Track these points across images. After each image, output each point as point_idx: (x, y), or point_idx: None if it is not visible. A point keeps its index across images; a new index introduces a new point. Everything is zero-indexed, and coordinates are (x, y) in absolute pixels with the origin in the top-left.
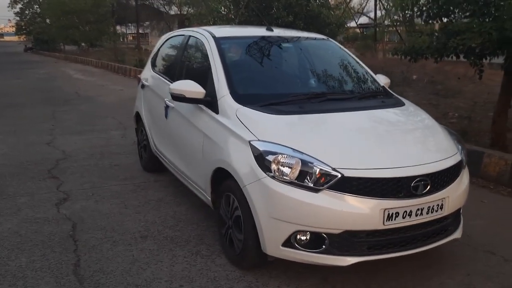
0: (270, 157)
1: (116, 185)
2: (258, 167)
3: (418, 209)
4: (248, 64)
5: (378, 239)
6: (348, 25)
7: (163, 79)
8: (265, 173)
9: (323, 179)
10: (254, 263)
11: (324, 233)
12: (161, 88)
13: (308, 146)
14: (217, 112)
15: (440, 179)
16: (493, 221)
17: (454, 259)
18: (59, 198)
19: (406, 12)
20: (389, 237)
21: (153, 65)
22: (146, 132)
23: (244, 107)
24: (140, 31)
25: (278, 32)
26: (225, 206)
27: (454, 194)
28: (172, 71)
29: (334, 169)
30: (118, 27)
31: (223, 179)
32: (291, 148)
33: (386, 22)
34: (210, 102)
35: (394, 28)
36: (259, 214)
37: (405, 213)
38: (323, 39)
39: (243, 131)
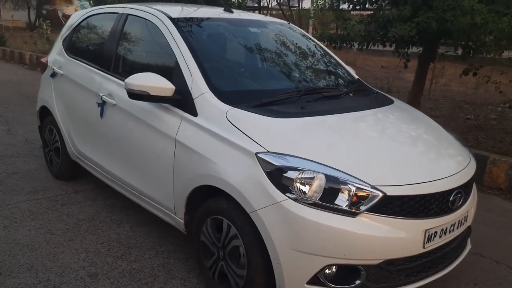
0: (292, 174)
1: (25, 202)
2: (274, 187)
3: (452, 225)
4: (219, 53)
5: (415, 264)
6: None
7: (93, 68)
8: (284, 194)
9: (359, 199)
10: None
11: (361, 265)
12: (90, 79)
13: (334, 158)
14: (194, 114)
15: (468, 189)
16: (497, 228)
17: (459, 267)
18: None
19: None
20: (424, 260)
21: (69, 49)
22: (61, 132)
23: (236, 109)
24: None
25: (238, 14)
26: (211, 233)
27: (473, 203)
28: (105, 59)
29: (373, 187)
30: None
31: (204, 197)
32: (317, 162)
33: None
34: (181, 101)
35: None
36: (277, 246)
37: (441, 232)
38: (284, 24)
39: (243, 140)
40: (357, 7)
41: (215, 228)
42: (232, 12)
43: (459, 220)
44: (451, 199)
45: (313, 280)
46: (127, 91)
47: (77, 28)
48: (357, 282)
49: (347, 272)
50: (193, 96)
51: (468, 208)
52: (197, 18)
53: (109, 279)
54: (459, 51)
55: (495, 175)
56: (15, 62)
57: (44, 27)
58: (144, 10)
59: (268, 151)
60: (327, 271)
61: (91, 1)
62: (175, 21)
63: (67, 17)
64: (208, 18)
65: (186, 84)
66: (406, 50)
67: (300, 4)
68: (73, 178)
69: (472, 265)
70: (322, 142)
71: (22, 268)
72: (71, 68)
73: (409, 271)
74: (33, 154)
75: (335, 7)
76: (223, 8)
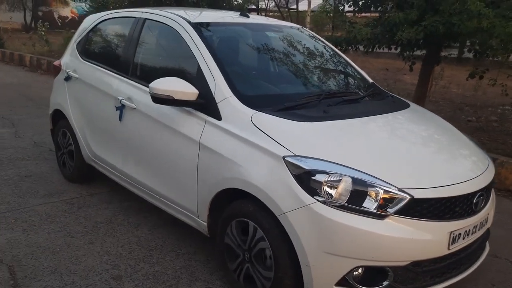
0: (320, 177)
1: (41, 205)
2: (302, 190)
3: (474, 226)
4: (240, 57)
5: (440, 266)
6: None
7: (110, 72)
8: (312, 197)
9: (388, 202)
10: None
11: (389, 267)
12: (107, 83)
13: (361, 161)
14: (218, 118)
15: (489, 191)
16: (509, 230)
17: (476, 269)
18: None
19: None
20: (448, 261)
21: (83, 53)
22: (75, 135)
23: (261, 113)
24: None
25: (255, 19)
26: (237, 235)
27: (493, 205)
28: (123, 63)
29: (401, 190)
30: None
31: (229, 200)
32: (344, 166)
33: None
34: (204, 105)
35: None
36: (306, 249)
37: (465, 233)
38: (298, 28)
39: (269, 144)
40: (362, 10)
41: (240, 230)
42: (248, 16)
43: (481, 222)
44: (474, 201)
45: (342, 282)
46: (151, 96)
47: (92, 32)
48: (385, 283)
49: (374, 273)
50: (217, 100)
51: (489, 210)
52: (216, 22)
53: (134, 282)
54: (464, 54)
55: (503, 176)
56: (15, 64)
57: (43, 29)
58: (162, 14)
59: (296, 155)
60: (355, 272)
61: (88, 3)
62: (195, 25)
63: (63, 18)
64: (227, 23)
65: (209, 89)
66: (411, 53)
67: (298, 6)
68: (86, 181)
69: (488, 267)
70: (348, 145)
71: (46, 271)
72: (86, 71)
73: (434, 272)
74: (43, 157)
75: (340, 10)
76: (239, 13)
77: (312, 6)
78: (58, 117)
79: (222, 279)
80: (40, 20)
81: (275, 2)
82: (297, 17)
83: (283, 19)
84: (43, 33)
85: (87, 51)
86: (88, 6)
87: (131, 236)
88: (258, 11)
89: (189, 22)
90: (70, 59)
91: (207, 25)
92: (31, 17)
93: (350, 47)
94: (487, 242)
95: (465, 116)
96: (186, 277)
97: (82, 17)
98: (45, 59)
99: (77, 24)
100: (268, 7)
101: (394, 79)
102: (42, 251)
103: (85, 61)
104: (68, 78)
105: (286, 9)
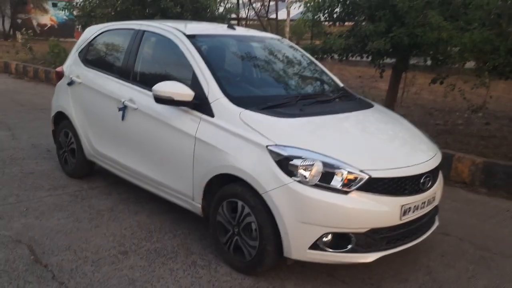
0: (296, 162)
1: (48, 197)
2: (282, 172)
3: (423, 202)
4: (228, 64)
5: (394, 234)
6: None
7: (112, 78)
8: (290, 177)
9: (351, 181)
10: (270, 268)
11: (352, 233)
12: (110, 87)
13: (330, 149)
14: (211, 115)
15: (435, 174)
16: (461, 214)
17: (429, 243)
18: None
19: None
20: (401, 230)
21: (86, 61)
22: (78, 134)
23: (248, 111)
24: None
25: (240, 30)
26: (227, 213)
27: (440, 186)
28: (125, 70)
29: (361, 171)
30: None
31: (220, 185)
32: (315, 152)
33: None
34: (199, 105)
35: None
36: (285, 220)
37: (415, 207)
38: (279, 39)
39: (255, 136)
40: (337, 22)
41: (230, 209)
42: (234, 28)
43: (428, 199)
44: (421, 181)
45: (314, 246)
46: (154, 97)
47: (93, 42)
48: (349, 246)
49: (340, 239)
50: (210, 101)
51: (436, 190)
52: (207, 34)
53: (139, 255)
54: (428, 62)
55: (460, 170)
56: (0, 71)
57: (26, 36)
58: (160, 27)
59: (277, 144)
60: (324, 238)
61: (69, 10)
62: (190, 37)
63: (42, 26)
64: (217, 35)
65: (203, 91)
66: (381, 61)
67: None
68: (86, 176)
69: (440, 243)
70: (319, 136)
71: (61, 248)
72: (89, 77)
73: (389, 239)
74: (42, 157)
75: (318, 21)
76: (226, 25)
77: (291, 15)
78: (60, 118)
79: (214, 252)
80: (24, 28)
81: (255, 11)
82: (277, 26)
83: (263, 28)
84: (27, 39)
85: (90, 59)
86: (68, 13)
87: (132, 221)
88: (239, 20)
89: (185, 34)
90: (72, 66)
91: (200, 36)
92: (9, 24)
93: (326, 56)
94: (436, 217)
95: (434, 120)
96: (183, 251)
97: (61, 25)
98: (31, 66)
99: (57, 32)
100: (248, 16)
101: (370, 86)
102: (55, 233)
103: (88, 68)
104: (71, 83)
105: (266, 18)
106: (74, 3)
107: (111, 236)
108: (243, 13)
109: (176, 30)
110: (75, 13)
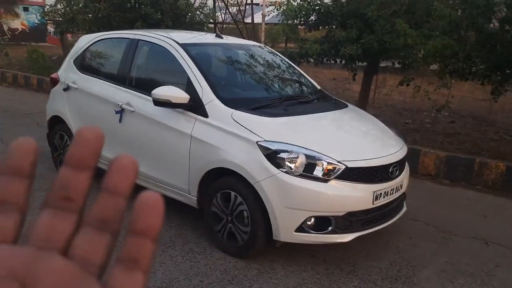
0: (283, 155)
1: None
2: (271, 165)
3: (392, 189)
4: (219, 70)
5: (368, 216)
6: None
7: (109, 83)
8: (278, 169)
9: (330, 170)
10: (261, 250)
11: (332, 216)
12: (106, 92)
13: (312, 143)
14: (206, 116)
15: (402, 165)
16: (427, 202)
17: (399, 227)
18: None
19: (292, 21)
20: (374, 214)
21: (82, 67)
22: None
23: (238, 111)
24: None
25: (227, 39)
26: (221, 203)
27: (406, 176)
28: (121, 76)
29: (339, 162)
30: None
31: (214, 179)
32: (299, 146)
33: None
34: (194, 106)
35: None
36: (273, 206)
37: (385, 193)
38: (262, 46)
39: (246, 133)
40: (312, 28)
41: (224, 199)
42: (222, 37)
43: (397, 187)
44: (390, 170)
45: (299, 229)
46: (153, 100)
47: (88, 50)
48: (329, 228)
49: (322, 222)
50: (204, 103)
51: (403, 178)
52: (199, 43)
53: None
54: (397, 65)
55: (426, 164)
56: None
57: (2, 42)
58: (154, 36)
59: (265, 140)
60: (308, 222)
61: (42, 15)
62: (183, 45)
63: (13, 30)
64: (207, 43)
65: (198, 94)
66: (354, 65)
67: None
68: None
69: (408, 227)
70: (302, 132)
71: None
72: (85, 83)
73: (364, 221)
74: (38, 160)
75: (293, 28)
76: (215, 34)
77: (266, 19)
78: (55, 122)
79: (209, 240)
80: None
81: (231, 15)
82: (253, 30)
83: (240, 32)
84: (2, 44)
85: (85, 66)
86: (40, 17)
87: (129, 215)
88: (216, 25)
89: (178, 43)
90: (68, 73)
91: (192, 45)
92: None
93: (302, 60)
94: (404, 203)
95: (403, 119)
96: (180, 240)
97: (32, 29)
98: (10, 72)
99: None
100: (224, 19)
101: (343, 88)
102: None
103: (84, 74)
104: (67, 89)
105: (242, 22)
106: (47, 8)
107: None
108: (219, 17)
109: (169, 39)
110: (57, 19)
